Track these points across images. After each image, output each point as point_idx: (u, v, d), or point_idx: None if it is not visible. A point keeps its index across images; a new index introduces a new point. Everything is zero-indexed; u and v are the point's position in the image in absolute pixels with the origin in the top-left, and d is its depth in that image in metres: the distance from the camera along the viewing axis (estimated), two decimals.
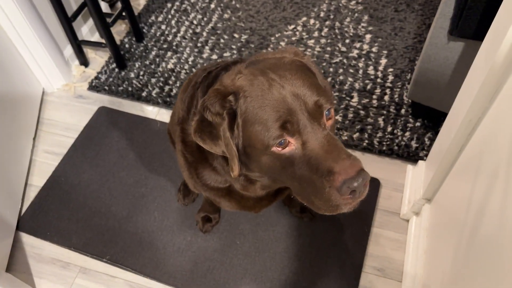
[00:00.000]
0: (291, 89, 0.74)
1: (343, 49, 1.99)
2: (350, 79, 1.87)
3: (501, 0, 0.96)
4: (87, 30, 2.08)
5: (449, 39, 1.32)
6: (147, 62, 2.02)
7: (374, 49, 1.97)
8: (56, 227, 1.55)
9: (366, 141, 1.66)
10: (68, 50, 1.99)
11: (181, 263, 1.44)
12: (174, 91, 1.90)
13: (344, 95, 1.81)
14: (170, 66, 2.00)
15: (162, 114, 1.85)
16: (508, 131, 0.86)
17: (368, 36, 2.03)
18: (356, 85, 1.84)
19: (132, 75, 1.97)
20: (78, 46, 1.97)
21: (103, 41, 1.94)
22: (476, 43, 1.28)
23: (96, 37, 2.15)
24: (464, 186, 1.08)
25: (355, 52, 1.97)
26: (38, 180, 1.69)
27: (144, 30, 2.16)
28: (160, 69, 1.99)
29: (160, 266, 1.44)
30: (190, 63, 2.00)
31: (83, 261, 1.48)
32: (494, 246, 0.82)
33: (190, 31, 2.15)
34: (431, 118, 1.68)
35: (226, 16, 2.21)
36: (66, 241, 1.52)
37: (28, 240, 1.54)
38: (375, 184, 1.57)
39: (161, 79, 1.95)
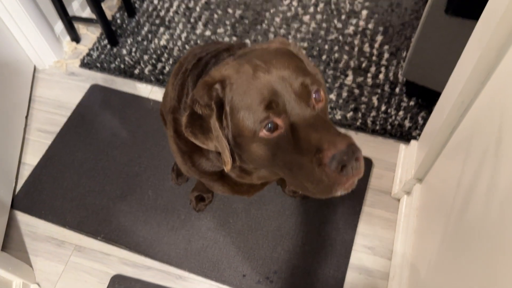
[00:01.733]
0: (276, 72, 0.72)
1: (339, 25, 1.96)
2: (345, 56, 1.85)
3: None
4: (78, 5, 2.03)
5: (444, 18, 1.30)
6: (139, 39, 1.99)
7: (370, 26, 1.94)
8: (50, 206, 1.56)
9: (360, 121, 1.66)
10: (59, 26, 1.96)
11: (175, 241, 1.46)
12: (167, 68, 1.87)
13: (338, 74, 1.79)
14: (162, 42, 1.97)
15: (155, 92, 1.83)
16: (498, 113, 0.86)
17: (364, 12, 1.99)
18: (351, 63, 1.82)
19: (124, 51, 1.94)
20: (69, 22, 1.93)
21: (94, 16, 1.90)
22: (472, 23, 1.25)
23: (87, 12, 2.10)
24: (454, 167, 1.09)
25: (350, 29, 1.94)
26: (32, 159, 1.69)
27: (136, 5, 2.12)
28: (153, 45, 1.96)
29: (154, 244, 1.46)
30: (183, 39, 1.97)
31: (78, 239, 1.50)
32: (480, 227, 0.83)
33: (183, 6, 2.11)
34: (425, 97, 1.67)
35: None
36: (60, 219, 1.53)
37: (23, 218, 1.56)
38: (367, 164, 1.58)
39: (154, 56, 1.92)
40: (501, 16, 0.85)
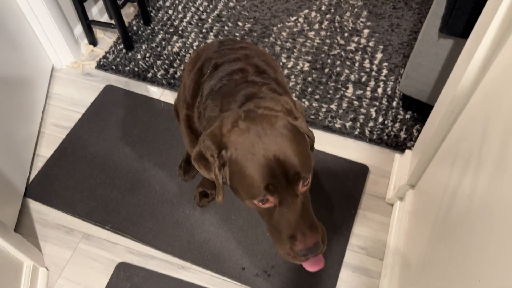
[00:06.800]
0: (276, 155, 0.84)
1: (342, 42, 2.09)
2: (346, 71, 1.96)
3: (485, 2, 1.06)
4: (97, 10, 2.16)
5: (439, 36, 1.42)
6: (154, 45, 2.11)
7: (371, 44, 2.06)
8: (61, 195, 1.64)
9: (358, 130, 1.76)
10: (78, 29, 2.07)
11: (179, 234, 1.55)
12: (179, 73, 1.98)
13: (340, 86, 1.91)
14: (175, 49, 2.09)
15: (166, 95, 1.94)
16: (481, 121, 0.96)
17: (366, 31, 2.12)
18: (352, 77, 1.94)
19: (139, 56, 2.06)
20: (88, 25, 2.05)
21: (112, 22, 2.02)
22: (464, 41, 1.37)
23: (105, 18, 2.23)
24: (443, 172, 1.18)
25: (352, 46, 2.06)
26: (46, 151, 1.78)
27: (151, 14, 2.25)
28: (166, 52, 2.08)
29: (159, 236, 1.54)
30: (194, 47, 2.09)
31: (87, 228, 1.58)
32: (462, 224, 0.92)
33: (196, 17, 2.23)
34: (421, 111, 1.78)
35: (231, 4, 2.30)
36: (70, 208, 1.61)
37: (34, 206, 1.63)
38: (363, 170, 1.68)
39: (166, 61, 2.03)
40: (485, 37, 0.96)
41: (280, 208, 0.88)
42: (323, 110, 1.83)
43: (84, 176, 1.69)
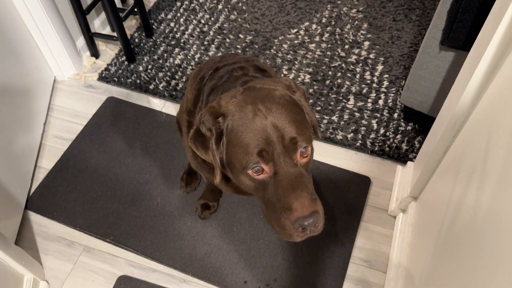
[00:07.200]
0: (273, 120, 0.84)
1: (342, 54, 2.10)
2: (347, 82, 1.97)
3: (487, 16, 1.07)
4: (99, 23, 2.17)
5: (440, 48, 1.43)
6: (156, 57, 2.12)
7: (371, 56, 2.08)
8: (62, 208, 1.64)
9: (360, 141, 1.76)
10: (81, 42, 2.09)
11: (181, 247, 1.53)
12: (180, 85, 1.99)
13: (341, 97, 1.91)
14: (177, 61, 2.09)
15: (167, 107, 1.94)
16: (485, 133, 0.97)
17: (366, 43, 2.14)
18: (353, 89, 1.95)
19: (141, 68, 2.07)
20: (90, 38, 2.06)
21: (115, 34, 2.03)
22: (465, 54, 1.38)
23: (107, 30, 2.24)
24: (446, 184, 1.18)
25: (353, 58, 2.08)
26: (47, 163, 1.77)
27: (153, 27, 2.26)
28: (168, 64, 2.09)
29: (161, 248, 1.53)
30: (196, 59, 2.10)
31: (88, 240, 1.57)
32: (467, 237, 0.92)
33: (198, 29, 2.25)
34: (422, 123, 1.79)
35: (232, 17, 2.32)
36: (72, 221, 1.60)
37: (35, 218, 1.63)
38: (366, 182, 1.67)
39: (168, 73, 2.04)
40: (487, 50, 0.97)
41: (276, 178, 0.84)
42: (325, 121, 1.83)
43: (85, 188, 1.69)
